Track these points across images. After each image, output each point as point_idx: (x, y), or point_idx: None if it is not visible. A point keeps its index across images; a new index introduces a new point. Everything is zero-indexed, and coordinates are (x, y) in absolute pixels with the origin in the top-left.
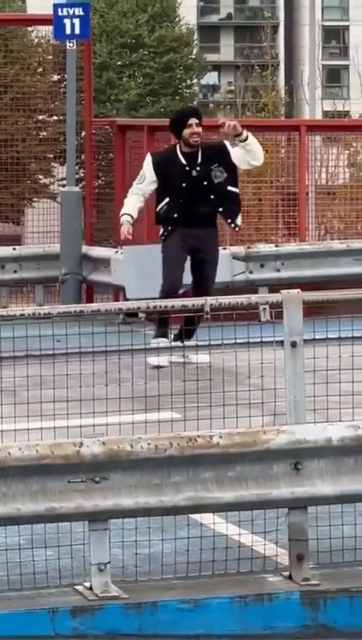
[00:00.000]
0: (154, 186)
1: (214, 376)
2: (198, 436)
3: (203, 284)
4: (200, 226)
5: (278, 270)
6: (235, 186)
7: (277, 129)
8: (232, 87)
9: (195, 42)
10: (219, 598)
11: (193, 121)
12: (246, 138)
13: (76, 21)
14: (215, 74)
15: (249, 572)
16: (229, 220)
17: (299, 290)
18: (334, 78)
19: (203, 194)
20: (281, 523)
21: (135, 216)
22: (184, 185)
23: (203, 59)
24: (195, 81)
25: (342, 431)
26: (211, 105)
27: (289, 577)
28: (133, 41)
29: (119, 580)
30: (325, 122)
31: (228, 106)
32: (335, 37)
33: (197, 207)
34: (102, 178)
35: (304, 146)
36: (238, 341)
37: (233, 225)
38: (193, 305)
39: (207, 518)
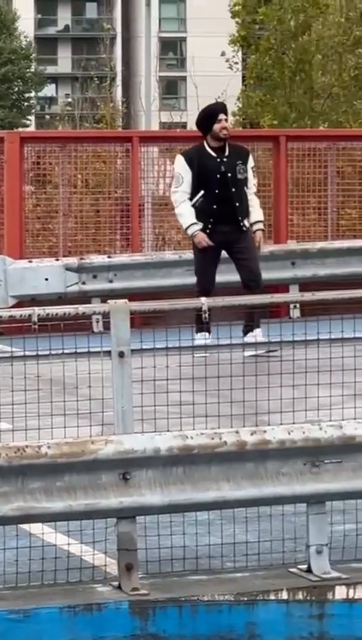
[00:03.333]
0: (191, 182)
1: (42, 387)
2: (27, 446)
3: (250, 273)
4: (232, 220)
5: (111, 281)
6: (248, 189)
7: (111, 140)
8: (70, 100)
9: (33, 55)
10: (49, 608)
11: (222, 116)
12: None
13: None
14: (53, 86)
15: (78, 582)
16: (239, 218)
17: (126, 300)
18: (171, 89)
19: (228, 186)
20: (110, 533)
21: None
22: (218, 176)
23: (41, 71)
24: (33, 93)
25: (170, 441)
26: (48, 117)
27: (119, 587)
28: None
29: None
30: (157, 133)
31: (66, 118)
32: (172, 49)
33: (226, 199)
34: None
35: (136, 157)
36: (66, 351)
37: (241, 224)
38: (20, 315)
39: (36, 528)
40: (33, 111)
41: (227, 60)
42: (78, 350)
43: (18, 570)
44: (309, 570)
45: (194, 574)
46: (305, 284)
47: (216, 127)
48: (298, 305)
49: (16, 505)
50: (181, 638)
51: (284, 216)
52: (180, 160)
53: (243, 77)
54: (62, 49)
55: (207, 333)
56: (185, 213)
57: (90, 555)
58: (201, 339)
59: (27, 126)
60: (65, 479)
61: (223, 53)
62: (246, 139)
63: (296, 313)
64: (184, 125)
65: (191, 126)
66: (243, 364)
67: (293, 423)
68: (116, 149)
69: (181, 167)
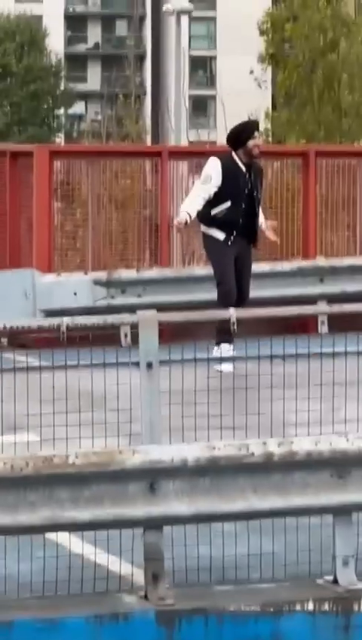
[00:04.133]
0: (216, 189)
1: (70, 398)
2: (54, 456)
3: (244, 291)
4: (248, 236)
5: (140, 296)
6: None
7: (140, 155)
8: (99, 117)
9: (62, 72)
10: (75, 617)
11: (257, 134)
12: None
13: None
14: (82, 103)
15: (105, 591)
16: (257, 235)
17: (155, 310)
18: (200, 107)
19: (254, 203)
20: (137, 542)
21: (193, 217)
22: (246, 192)
23: (70, 88)
24: (62, 111)
25: (198, 451)
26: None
27: (145, 597)
28: (1, 69)
29: None
30: (187, 149)
31: (91, 135)
32: (202, 66)
33: (251, 215)
34: None
35: (166, 171)
36: (95, 362)
37: (256, 241)
38: (49, 325)
39: (62, 537)
40: (63, 128)
41: (256, 79)
42: (107, 362)
43: (45, 580)
44: (335, 582)
45: (221, 585)
46: (333, 300)
47: (251, 143)
48: (326, 320)
49: (44, 514)
50: None
51: (313, 232)
52: (216, 163)
53: (272, 95)
54: (91, 66)
55: (231, 345)
56: (191, 202)
57: (116, 564)
58: (227, 351)
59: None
60: (93, 489)
61: (252, 72)
62: (276, 155)
63: (324, 329)
64: (213, 143)
65: (222, 142)
66: (271, 376)
67: (320, 435)
68: (146, 163)
69: (214, 170)
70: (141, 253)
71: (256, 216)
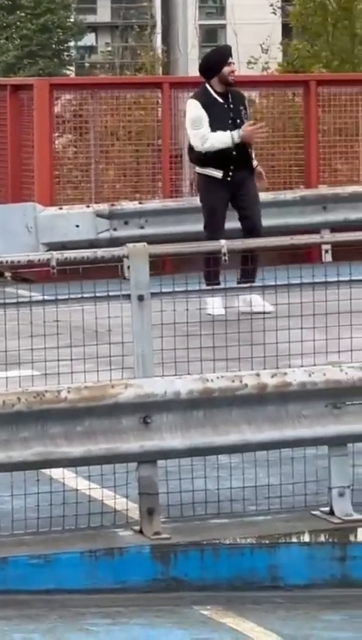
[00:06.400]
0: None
1: (62, 331)
2: (46, 391)
3: (256, 222)
4: (245, 166)
5: (142, 227)
6: None
7: (141, 86)
8: (110, 49)
9: (72, 4)
10: (70, 553)
11: (231, 59)
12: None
13: None
14: (92, 35)
15: (100, 527)
16: (253, 161)
17: (145, 243)
18: (211, 37)
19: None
20: (132, 477)
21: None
22: (230, 122)
23: (80, 20)
24: (73, 43)
25: (190, 384)
26: (88, 65)
27: (140, 531)
28: (10, 2)
29: None
30: (189, 79)
31: (107, 66)
32: None
33: (241, 144)
34: None
35: (167, 102)
36: (86, 296)
37: (253, 167)
38: (38, 260)
39: (57, 473)
40: (74, 61)
41: (271, 4)
42: (100, 295)
43: (39, 516)
44: (331, 513)
45: (216, 518)
46: (337, 229)
47: (226, 69)
48: (329, 248)
49: (37, 450)
50: (203, 581)
51: (315, 161)
52: (195, 103)
53: (283, 25)
54: None
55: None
56: (218, 136)
57: (111, 499)
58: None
59: (68, 75)
60: (86, 424)
61: None
62: (276, 84)
63: (327, 257)
64: None
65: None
66: (263, 308)
67: (314, 365)
68: (149, 95)
69: (198, 111)
70: (144, 185)
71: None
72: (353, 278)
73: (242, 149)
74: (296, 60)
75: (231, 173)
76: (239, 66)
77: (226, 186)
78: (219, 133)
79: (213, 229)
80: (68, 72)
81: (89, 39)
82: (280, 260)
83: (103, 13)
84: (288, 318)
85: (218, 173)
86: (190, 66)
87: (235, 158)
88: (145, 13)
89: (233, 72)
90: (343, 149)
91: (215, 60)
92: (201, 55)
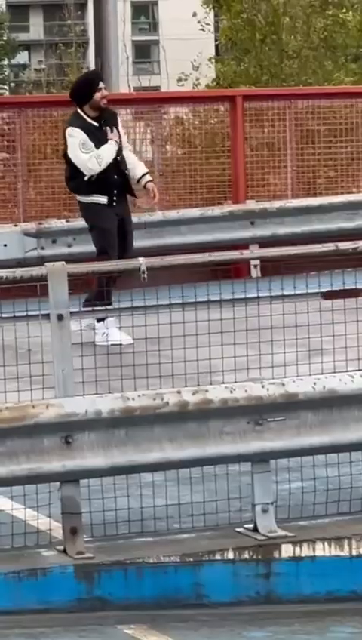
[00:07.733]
0: None
1: None
2: None
3: (128, 249)
4: (125, 191)
5: (70, 245)
6: (124, 150)
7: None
8: (43, 66)
9: (5, 23)
10: None
11: (102, 84)
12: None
13: None
14: (25, 53)
15: (23, 547)
16: (131, 185)
17: (63, 262)
18: (144, 53)
19: (117, 153)
20: (54, 497)
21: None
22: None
23: (13, 38)
24: (6, 61)
25: (111, 403)
26: (13, 85)
27: (64, 551)
28: None
29: None
30: (118, 96)
31: (32, 85)
32: (144, 12)
33: (119, 168)
34: None
35: None
36: (5, 316)
37: (133, 192)
38: None
39: None
40: (7, 79)
41: (199, 22)
42: (18, 315)
43: None
44: (255, 530)
45: (140, 536)
46: (265, 244)
47: (97, 95)
48: (258, 264)
49: None
50: (127, 600)
51: (243, 176)
52: (77, 130)
53: (216, 40)
54: (33, 15)
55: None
56: (105, 150)
57: (34, 519)
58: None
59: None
60: (7, 444)
61: (195, 14)
62: (203, 100)
63: (255, 272)
64: (156, 89)
65: (166, 88)
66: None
67: (236, 382)
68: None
69: (83, 135)
70: (73, 203)
71: (124, 165)
72: (273, 294)
73: (123, 173)
74: (222, 80)
75: (115, 198)
76: (169, 83)
77: (113, 210)
78: (103, 148)
79: (114, 249)
80: (1, 91)
81: (22, 57)
82: (213, 276)
83: (36, 31)
84: (208, 335)
85: (103, 199)
86: (121, 83)
87: (118, 183)
88: (77, 30)
89: (105, 96)
90: (270, 163)
91: (85, 89)
92: (135, 71)
